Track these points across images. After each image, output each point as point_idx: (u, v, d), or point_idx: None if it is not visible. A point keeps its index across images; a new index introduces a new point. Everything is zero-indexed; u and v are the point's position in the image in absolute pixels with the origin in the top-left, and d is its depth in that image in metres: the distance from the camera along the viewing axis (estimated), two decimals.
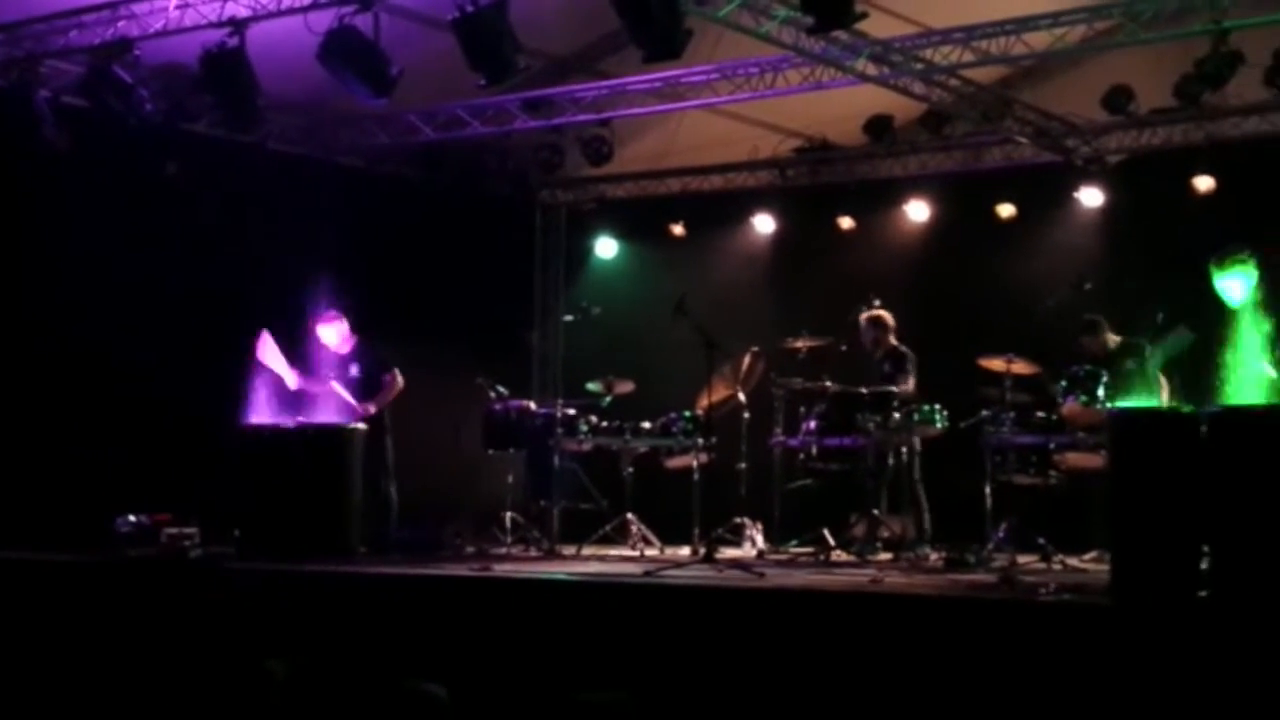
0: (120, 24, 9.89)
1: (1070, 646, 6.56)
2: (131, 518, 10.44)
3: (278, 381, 10.43)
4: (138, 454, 10.75)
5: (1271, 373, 7.12)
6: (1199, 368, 8.35)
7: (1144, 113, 11.46)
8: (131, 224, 10.99)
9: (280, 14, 9.21)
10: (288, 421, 10.31)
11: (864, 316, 11.22)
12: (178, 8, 9.58)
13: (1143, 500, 7.06)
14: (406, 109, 11.68)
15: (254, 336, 10.38)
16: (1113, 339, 10.49)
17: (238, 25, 9.29)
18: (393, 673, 6.94)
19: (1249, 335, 7.22)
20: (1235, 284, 8.19)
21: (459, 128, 12.02)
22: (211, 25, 9.41)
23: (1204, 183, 11.59)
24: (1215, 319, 8.25)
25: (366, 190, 12.53)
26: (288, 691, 7.01)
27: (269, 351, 10.39)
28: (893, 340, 11.21)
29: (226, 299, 11.19)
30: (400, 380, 11.03)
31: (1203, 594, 6.84)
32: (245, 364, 10.34)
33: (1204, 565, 6.96)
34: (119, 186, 10.94)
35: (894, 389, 10.69)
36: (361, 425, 10.56)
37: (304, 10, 9.03)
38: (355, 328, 11.08)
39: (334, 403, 10.70)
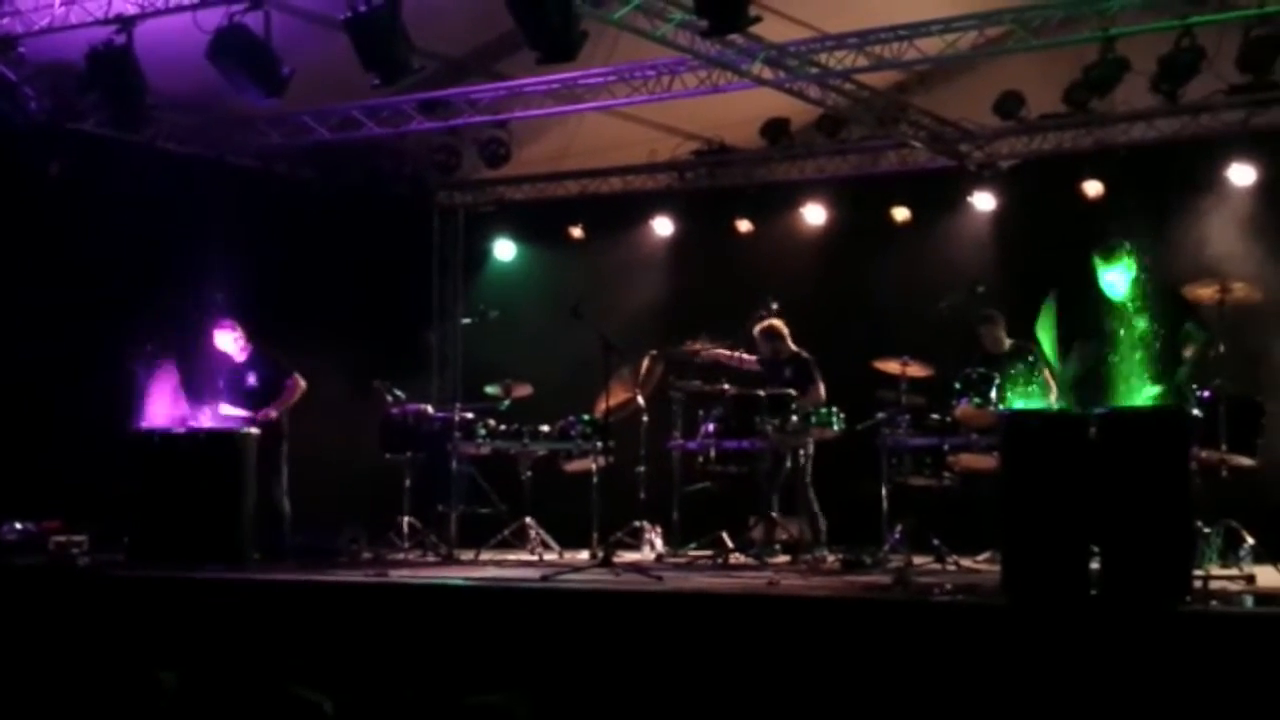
0: (4, 20, 9.67)
1: (963, 646, 6.65)
2: (18, 524, 10.24)
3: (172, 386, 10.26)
4: (25, 459, 10.50)
5: (1152, 389, 7.28)
6: (1088, 369, 8.51)
7: (1035, 118, 11.65)
8: (16, 224, 10.75)
9: (169, 11, 9.05)
10: (180, 426, 10.15)
11: (757, 330, 11.10)
12: (63, 4, 9.38)
13: (1033, 501, 7.16)
14: (300, 109, 11.51)
15: (143, 343, 10.20)
16: (1006, 339, 10.61)
17: (125, 23, 9.11)
18: (287, 682, 6.84)
19: (1130, 332, 7.39)
20: (1118, 276, 8.47)
21: (354, 129, 11.88)
22: (98, 23, 9.22)
23: (1093, 187, 11.79)
24: (1101, 319, 8.43)
25: (260, 191, 12.34)
26: (178, 702, 6.89)
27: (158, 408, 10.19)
28: (792, 346, 11.20)
29: (115, 301, 10.97)
30: (302, 384, 10.89)
31: (1092, 593, 6.96)
32: (136, 371, 10.16)
33: (1093, 565, 7.08)
34: (2, 186, 10.68)
35: (803, 397, 10.63)
36: (255, 430, 10.39)
37: (193, 8, 8.88)
38: (251, 334, 10.93)
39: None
